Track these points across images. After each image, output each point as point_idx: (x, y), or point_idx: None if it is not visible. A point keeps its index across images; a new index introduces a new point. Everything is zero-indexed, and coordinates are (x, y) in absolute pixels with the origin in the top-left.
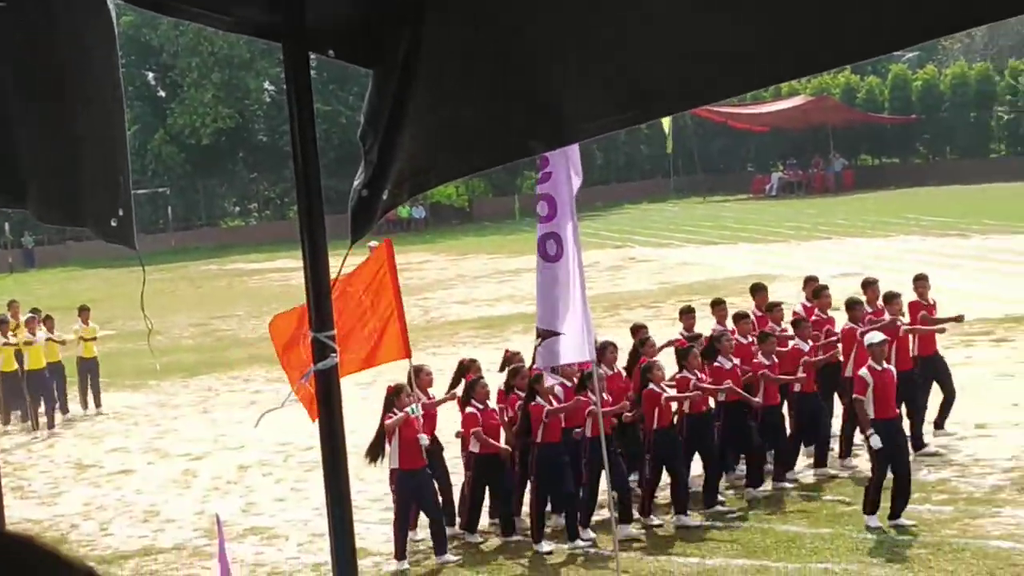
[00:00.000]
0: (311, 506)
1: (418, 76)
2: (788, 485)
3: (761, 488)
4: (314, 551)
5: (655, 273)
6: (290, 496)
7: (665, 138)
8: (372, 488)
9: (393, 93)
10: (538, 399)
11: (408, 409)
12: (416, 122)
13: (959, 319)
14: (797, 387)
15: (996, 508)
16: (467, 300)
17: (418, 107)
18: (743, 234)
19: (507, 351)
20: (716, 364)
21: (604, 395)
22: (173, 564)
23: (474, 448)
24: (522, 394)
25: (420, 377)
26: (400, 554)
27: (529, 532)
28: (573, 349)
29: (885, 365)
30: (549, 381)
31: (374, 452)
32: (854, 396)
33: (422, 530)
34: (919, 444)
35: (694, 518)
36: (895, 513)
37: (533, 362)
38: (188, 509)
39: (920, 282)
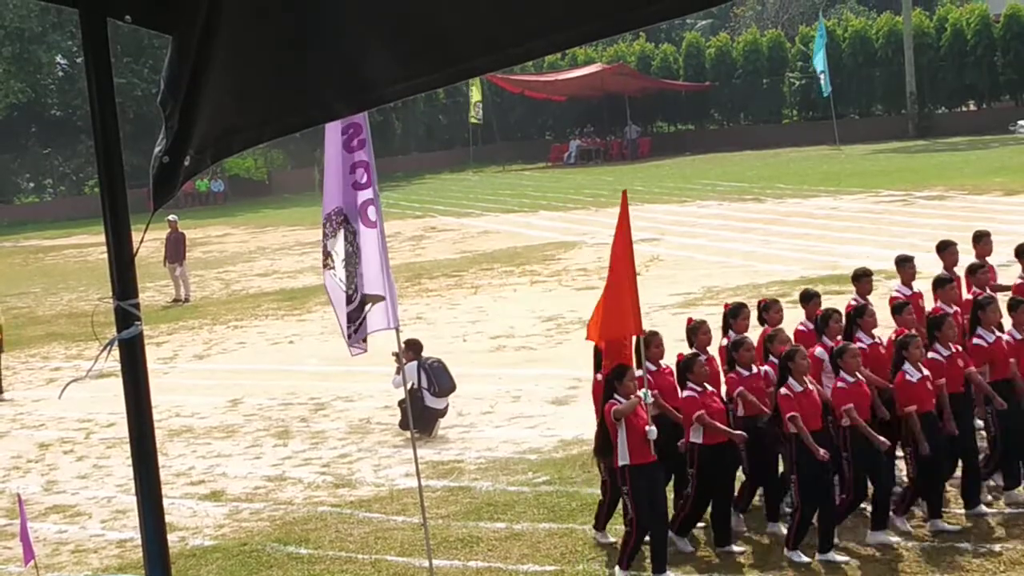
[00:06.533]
0: (114, 483)
1: (219, 38)
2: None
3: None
4: (118, 528)
5: (456, 242)
6: (93, 473)
7: (470, 107)
8: (175, 463)
9: (194, 56)
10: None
11: (640, 393)
12: (218, 85)
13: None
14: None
15: None
16: (268, 272)
17: (220, 70)
18: (543, 202)
19: (690, 320)
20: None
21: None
22: None
23: (696, 439)
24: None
25: (651, 349)
26: (628, 563)
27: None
28: (381, 317)
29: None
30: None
31: (604, 447)
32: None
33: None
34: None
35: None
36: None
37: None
38: None
39: None
